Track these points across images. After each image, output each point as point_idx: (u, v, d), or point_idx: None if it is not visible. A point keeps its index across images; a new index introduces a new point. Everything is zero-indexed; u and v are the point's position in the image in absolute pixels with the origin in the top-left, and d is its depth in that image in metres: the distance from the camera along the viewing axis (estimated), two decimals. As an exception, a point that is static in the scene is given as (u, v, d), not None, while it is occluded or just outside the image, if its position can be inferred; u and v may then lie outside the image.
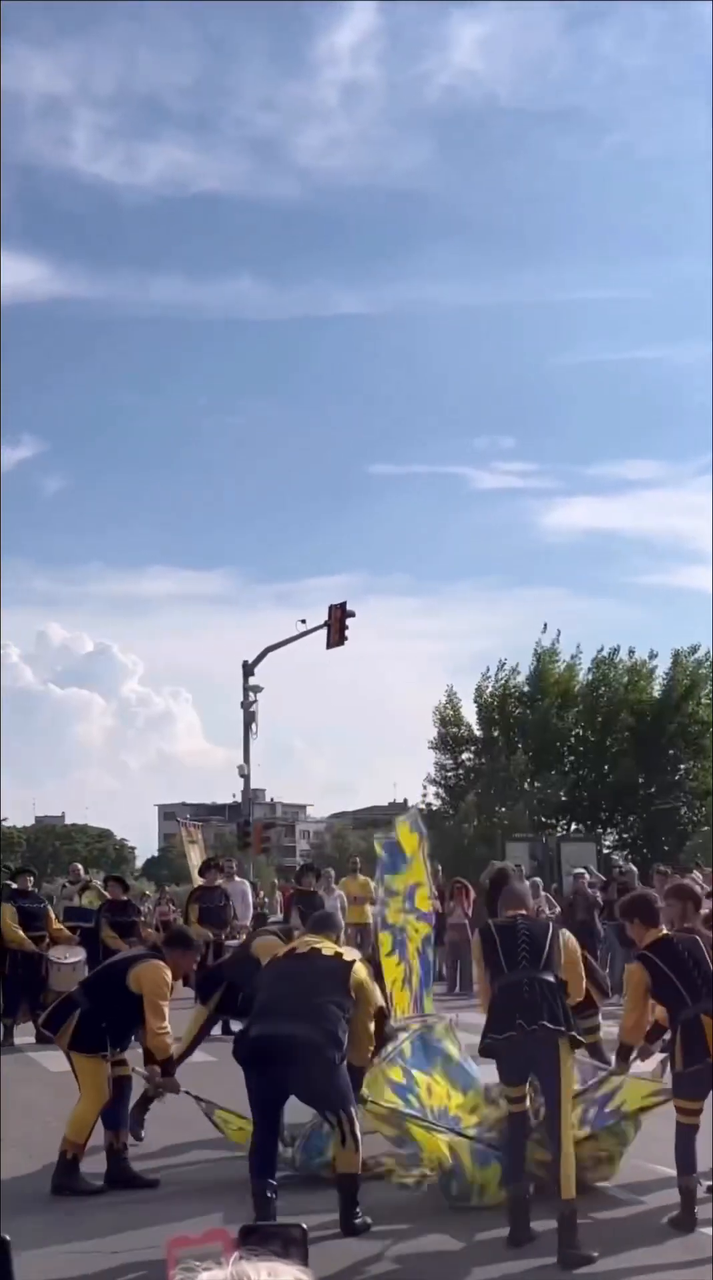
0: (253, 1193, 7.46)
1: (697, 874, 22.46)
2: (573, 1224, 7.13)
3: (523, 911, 8.31)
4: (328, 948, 8.37)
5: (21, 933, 16.17)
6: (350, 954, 8.56)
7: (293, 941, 8.98)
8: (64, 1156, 8.92)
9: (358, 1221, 7.58)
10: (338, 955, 8.31)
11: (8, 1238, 1.15)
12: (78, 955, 16.96)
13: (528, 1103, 7.76)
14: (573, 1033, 7.62)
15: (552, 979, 7.63)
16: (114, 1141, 9.11)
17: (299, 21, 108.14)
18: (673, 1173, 8.16)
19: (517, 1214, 7.37)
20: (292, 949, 8.61)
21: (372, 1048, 8.50)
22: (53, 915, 17.40)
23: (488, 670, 50.43)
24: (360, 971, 8.24)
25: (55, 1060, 14.37)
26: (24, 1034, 16.00)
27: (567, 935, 8.18)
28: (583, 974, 8.44)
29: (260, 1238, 1.29)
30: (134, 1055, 9.41)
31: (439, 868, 26.40)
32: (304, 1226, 1.32)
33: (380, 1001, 8.70)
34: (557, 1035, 7.42)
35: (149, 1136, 10.00)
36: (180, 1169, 9.53)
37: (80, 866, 28.20)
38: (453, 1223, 8.05)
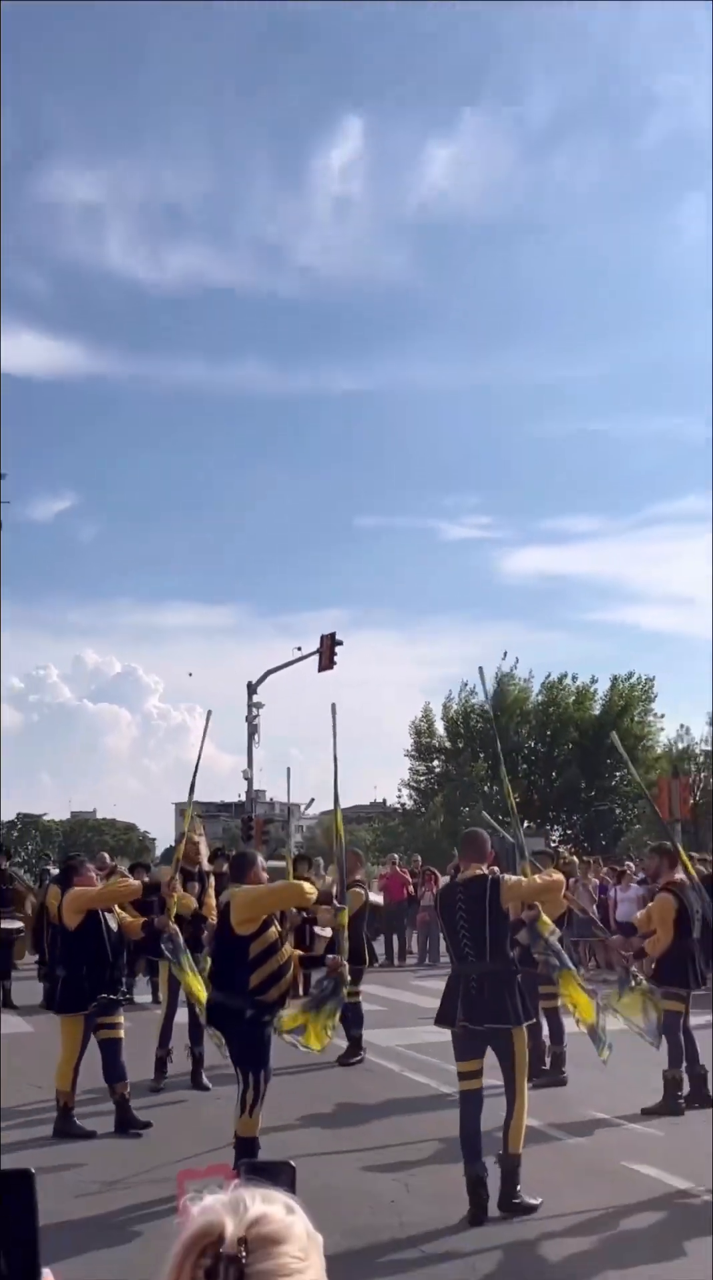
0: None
1: (629, 864, 22.46)
2: (516, 1174, 6.82)
3: (479, 870, 7.14)
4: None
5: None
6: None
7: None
8: (59, 1104, 8.88)
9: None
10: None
11: (32, 1170, 1.16)
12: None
13: (480, 1081, 7.03)
14: (521, 1022, 6.94)
15: (498, 968, 6.88)
16: (116, 1092, 9.00)
17: (297, 145, 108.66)
18: (607, 1116, 8.17)
19: (475, 1193, 6.72)
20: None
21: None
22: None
23: (450, 694, 50.56)
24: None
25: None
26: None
27: (504, 879, 7.12)
28: (535, 888, 7.40)
29: (256, 1171, 1.31)
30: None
31: (417, 857, 26.38)
32: (292, 1164, 1.33)
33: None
34: (506, 1029, 6.88)
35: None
36: (180, 1111, 9.51)
37: (107, 855, 27.88)
38: (444, 1164, 8.01)
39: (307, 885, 7.71)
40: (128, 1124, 8.92)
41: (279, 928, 7.60)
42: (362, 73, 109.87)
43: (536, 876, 7.58)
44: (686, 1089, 9.59)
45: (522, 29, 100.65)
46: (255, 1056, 7.25)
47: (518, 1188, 6.78)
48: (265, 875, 7.81)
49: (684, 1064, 9.72)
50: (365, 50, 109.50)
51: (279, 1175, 1.32)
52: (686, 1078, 9.65)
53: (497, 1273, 6.01)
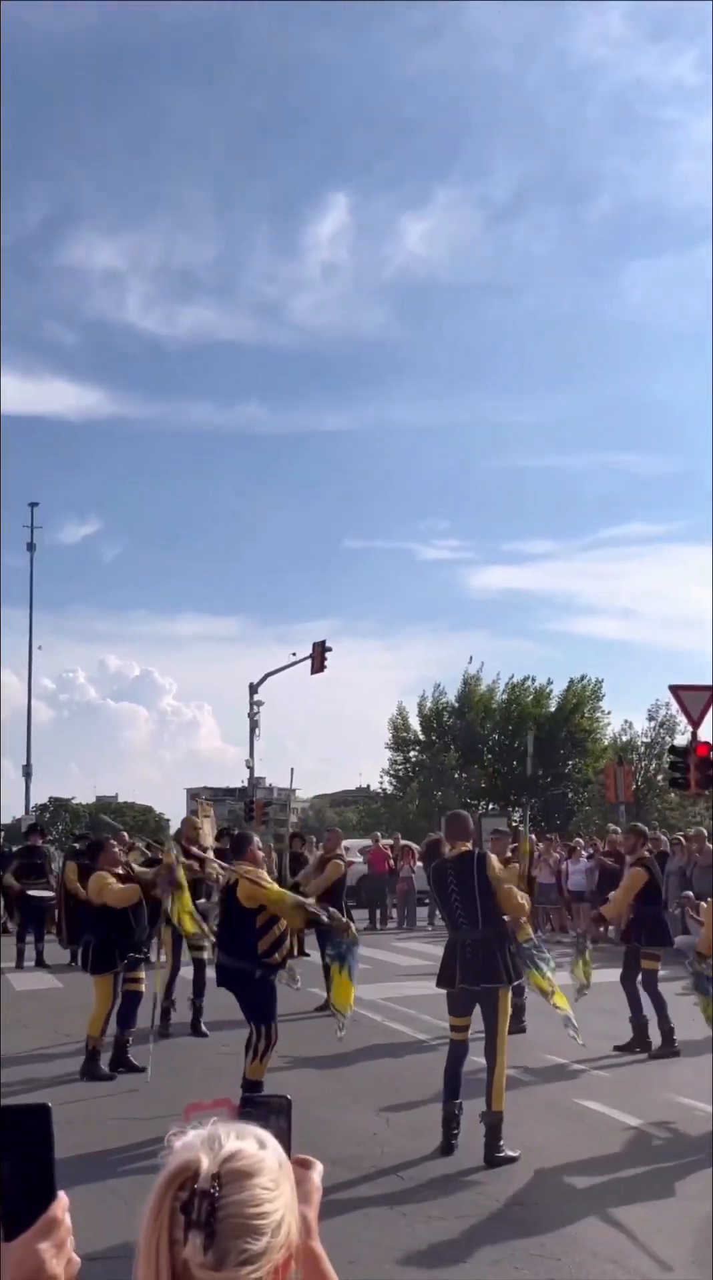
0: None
1: (579, 841, 22.43)
2: (499, 1130, 6.58)
3: (464, 847, 7.06)
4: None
5: (79, 883, 15.95)
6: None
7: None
8: (88, 1049, 8.91)
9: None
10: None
11: (49, 1104, 1.14)
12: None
13: (468, 1033, 7.02)
14: (508, 981, 6.86)
15: (489, 934, 6.81)
16: (122, 1036, 9.10)
17: (291, 217, 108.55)
18: (563, 1060, 8.10)
19: (448, 1127, 6.74)
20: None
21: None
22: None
23: (424, 693, 50.72)
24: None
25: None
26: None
27: (490, 862, 6.97)
28: (511, 893, 7.11)
29: (255, 1104, 1.29)
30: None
31: (398, 835, 26.34)
32: (288, 1098, 1.32)
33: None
34: (496, 988, 6.79)
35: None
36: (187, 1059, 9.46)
37: (126, 834, 27.61)
38: (420, 1103, 7.97)
39: (291, 899, 7.44)
40: (122, 1064, 8.96)
41: None
42: (347, 155, 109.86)
43: (519, 896, 7.15)
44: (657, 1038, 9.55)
45: (487, 118, 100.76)
46: (266, 1010, 7.29)
47: (500, 1142, 6.61)
48: (261, 853, 7.78)
49: (630, 1014, 9.70)
50: (351, 135, 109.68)
51: (276, 1107, 1.30)
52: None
53: (467, 1196, 5.98)
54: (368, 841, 24.55)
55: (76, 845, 17.73)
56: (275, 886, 7.61)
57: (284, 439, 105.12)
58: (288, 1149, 1.24)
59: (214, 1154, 1.12)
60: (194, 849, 10.25)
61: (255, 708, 33.65)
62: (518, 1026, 10.36)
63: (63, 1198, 1.12)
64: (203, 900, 10.32)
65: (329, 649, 30.96)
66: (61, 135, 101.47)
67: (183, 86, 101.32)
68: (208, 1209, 1.08)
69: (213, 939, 8.63)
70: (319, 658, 30.75)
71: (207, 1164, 1.11)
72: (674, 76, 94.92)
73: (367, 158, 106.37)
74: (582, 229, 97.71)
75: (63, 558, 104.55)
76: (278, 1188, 1.14)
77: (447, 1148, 6.67)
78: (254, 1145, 1.15)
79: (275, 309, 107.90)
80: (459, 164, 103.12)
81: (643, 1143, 6.95)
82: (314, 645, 31.06)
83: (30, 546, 41.37)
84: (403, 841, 24.20)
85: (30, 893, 16.36)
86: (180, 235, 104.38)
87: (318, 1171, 1.32)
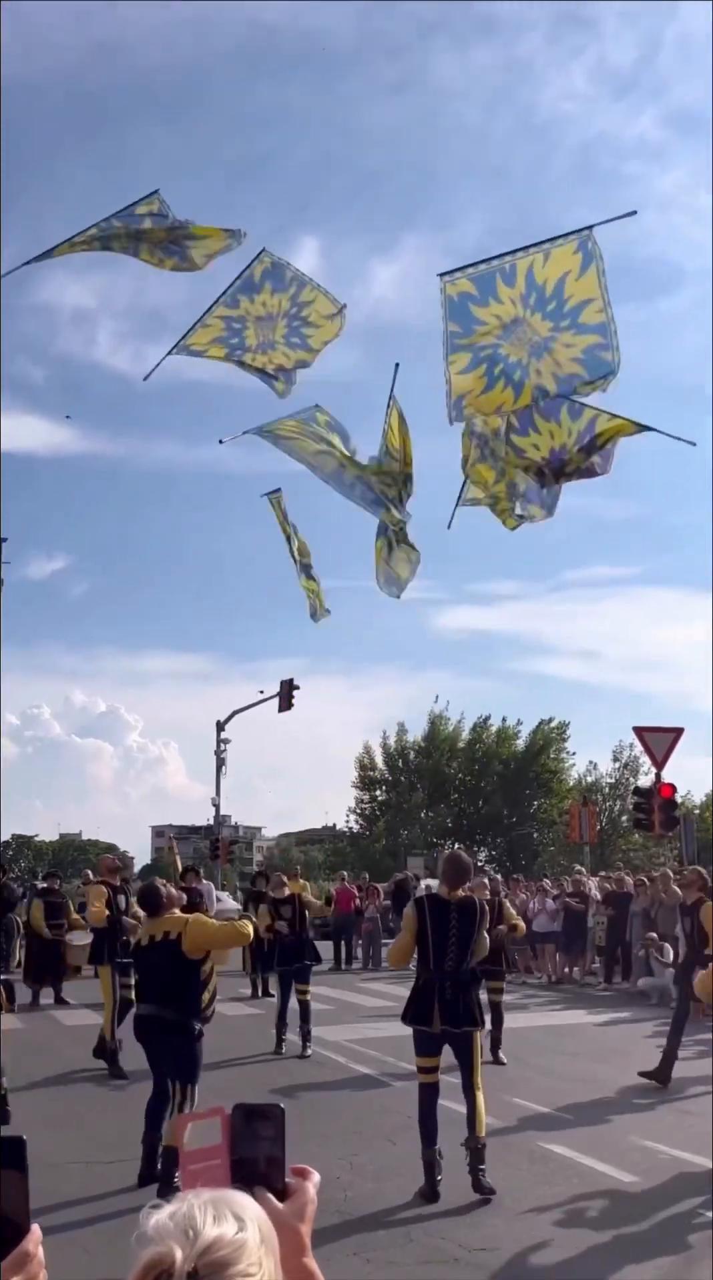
0: None
1: (546, 881, 22.40)
2: (482, 1155, 6.59)
3: (462, 892, 6.96)
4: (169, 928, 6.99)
5: (43, 923, 15.84)
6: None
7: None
8: (104, 1044, 10.31)
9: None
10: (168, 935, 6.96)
11: (24, 1137, 1.13)
12: (87, 938, 16.68)
13: (438, 1075, 6.90)
14: (482, 1025, 6.94)
15: (470, 979, 6.86)
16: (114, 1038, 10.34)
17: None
18: (527, 1104, 8.04)
19: (431, 1173, 6.60)
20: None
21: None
22: (71, 908, 17.07)
23: (385, 733, 50.72)
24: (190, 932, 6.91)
25: (70, 1017, 14.09)
26: (45, 997, 15.65)
27: (507, 908, 7.22)
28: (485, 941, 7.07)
29: (247, 1113, 1.28)
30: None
31: (365, 875, 26.19)
32: (282, 1106, 1.31)
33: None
34: (474, 1031, 6.81)
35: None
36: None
37: (91, 872, 27.33)
38: (384, 1145, 7.87)
39: (247, 926, 7.13)
40: (109, 1061, 10.25)
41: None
42: (317, 202, 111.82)
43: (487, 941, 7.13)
44: None
45: (453, 169, 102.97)
46: (193, 1070, 6.85)
47: (483, 1167, 6.58)
48: (177, 908, 7.20)
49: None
50: (321, 182, 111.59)
51: (270, 1116, 1.29)
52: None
53: (432, 1242, 5.90)
54: (335, 882, 24.39)
55: (42, 884, 17.56)
56: (213, 923, 7.21)
57: (254, 479, 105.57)
58: (282, 1158, 1.23)
59: (189, 1244, 1.04)
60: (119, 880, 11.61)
61: (222, 745, 33.47)
62: (495, 1059, 10.38)
63: (35, 1230, 1.11)
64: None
65: (297, 687, 30.92)
66: (33, 175, 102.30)
67: (155, 130, 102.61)
68: None
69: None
70: (287, 695, 30.68)
71: (180, 1258, 1.03)
72: (637, 132, 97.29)
73: (336, 204, 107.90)
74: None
75: (30, 593, 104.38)
76: (261, 1268, 1.07)
77: (431, 1194, 6.54)
78: (233, 1228, 1.07)
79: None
80: (427, 213, 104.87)
81: (611, 1187, 6.89)
82: (282, 683, 31.00)
83: (-2, 582, 41.06)
84: (369, 882, 24.08)
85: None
86: (150, 277, 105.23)
87: (314, 1182, 1.30)
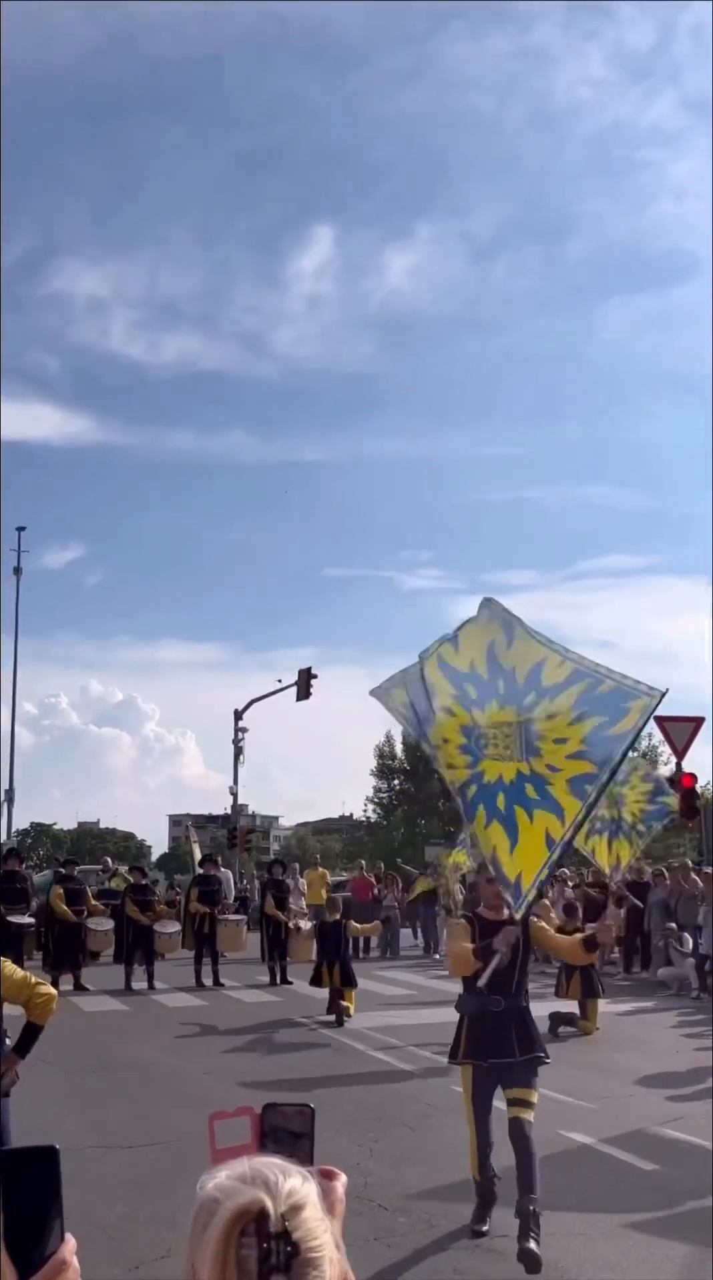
0: None
1: (565, 870, 22.32)
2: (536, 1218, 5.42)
3: (506, 913, 6.07)
4: None
5: (66, 907, 15.97)
6: None
7: None
8: None
9: None
10: None
11: (57, 1146, 1.12)
12: (108, 924, 16.83)
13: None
14: (538, 1054, 6.02)
15: (522, 1003, 6.09)
16: None
17: (275, 250, 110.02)
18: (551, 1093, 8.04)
19: (487, 1205, 5.94)
20: None
21: None
22: (89, 895, 17.16)
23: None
24: None
25: (89, 1003, 14.16)
26: (65, 983, 15.69)
27: (533, 923, 6.24)
28: (558, 942, 6.73)
29: (278, 1114, 1.27)
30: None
31: (380, 864, 26.20)
32: (312, 1107, 1.30)
33: None
34: (531, 1061, 5.99)
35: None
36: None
37: (110, 859, 27.49)
38: (403, 1131, 7.89)
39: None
40: None
41: None
42: (331, 191, 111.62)
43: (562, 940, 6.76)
44: None
45: (467, 159, 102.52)
46: None
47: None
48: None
49: None
50: (335, 171, 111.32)
51: (301, 1115, 1.29)
52: None
53: (450, 1226, 5.91)
54: (353, 871, 24.44)
55: (62, 870, 17.64)
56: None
57: (268, 469, 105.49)
58: (311, 1158, 1.22)
59: (275, 1194, 1.08)
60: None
61: (240, 734, 33.52)
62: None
63: (70, 1240, 1.11)
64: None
65: (315, 676, 30.89)
66: (48, 169, 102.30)
67: (168, 122, 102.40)
68: (288, 1252, 1.05)
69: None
70: (304, 684, 30.65)
71: (270, 1204, 1.07)
72: (653, 119, 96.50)
73: (350, 193, 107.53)
74: (560, 268, 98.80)
75: (46, 583, 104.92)
76: (325, 1218, 1.12)
77: (478, 1232, 5.85)
78: (299, 1180, 1.12)
79: (258, 340, 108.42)
80: (441, 203, 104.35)
81: (629, 1175, 6.88)
82: (300, 672, 30.97)
83: (17, 571, 41.16)
84: (387, 871, 24.10)
85: (9, 919, 16.22)
86: (164, 267, 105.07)
87: (342, 1183, 1.29)
